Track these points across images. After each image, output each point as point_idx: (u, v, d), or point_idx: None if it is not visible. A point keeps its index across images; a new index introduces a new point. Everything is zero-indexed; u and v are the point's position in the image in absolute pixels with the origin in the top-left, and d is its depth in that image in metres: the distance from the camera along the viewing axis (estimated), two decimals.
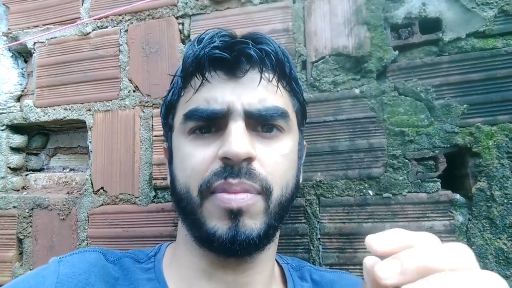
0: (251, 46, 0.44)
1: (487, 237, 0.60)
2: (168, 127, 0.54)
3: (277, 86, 0.47)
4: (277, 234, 0.50)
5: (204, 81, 0.45)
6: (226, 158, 0.42)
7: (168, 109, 0.53)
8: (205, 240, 0.44)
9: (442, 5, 0.65)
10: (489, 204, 0.60)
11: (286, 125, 0.47)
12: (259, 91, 0.45)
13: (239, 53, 0.44)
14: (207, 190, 0.43)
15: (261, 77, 0.44)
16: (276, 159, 0.45)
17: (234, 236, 0.42)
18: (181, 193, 0.46)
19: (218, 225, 0.43)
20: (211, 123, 0.46)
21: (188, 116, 0.46)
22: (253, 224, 0.43)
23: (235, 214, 0.42)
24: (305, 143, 0.59)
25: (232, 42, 0.45)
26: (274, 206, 0.45)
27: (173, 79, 0.54)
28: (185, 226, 0.48)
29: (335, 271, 0.60)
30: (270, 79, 0.46)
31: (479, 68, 0.63)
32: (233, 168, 0.42)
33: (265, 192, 0.43)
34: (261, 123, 0.46)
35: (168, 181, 0.54)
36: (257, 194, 0.43)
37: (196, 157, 0.45)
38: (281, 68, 0.47)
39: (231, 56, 0.44)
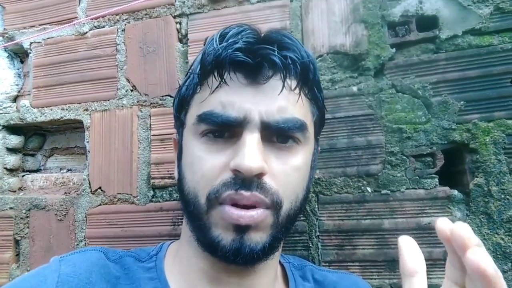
0: (276, 52, 0.41)
1: (485, 232, 0.60)
2: (180, 122, 0.52)
3: (299, 95, 0.45)
4: (282, 243, 0.49)
5: (222, 83, 0.43)
6: (237, 170, 0.40)
7: (181, 104, 0.51)
8: (209, 246, 0.44)
9: (438, 2, 0.66)
10: (486, 200, 0.60)
11: (303, 137, 0.45)
12: (279, 101, 0.43)
13: (263, 59, 0.41)
14: (215, 200, 0.42)
15: (283, 86, 0.42)
16: (288, 173, 0.44)
17: (239, 249, 0.41)
18: (188, 197, 0.45)
19: (223, 235, 0.42)
20: (225, 129, 0.44)
21: (202, 118, 0.44)
22: (258, 238, 0.42)
23: (242, 229, 0.41)
24: (319, 148, 0.57)
25: (256, 46, 0.42)
26: (282, 219, 0.44)
27: (187, 72, 0.52)
28: (190, 228, 0.47)
29: (338, 271, 0.59)
30: (293, 87, 0.44)
31: (475, 65, 0.64)
32: (244, 181, 0.40)
33: (275, 206, 0.42)
34: (278, 134, 0.44)
35: (175, 175, 0.52)
36: (266, 209, 0.42)
37: (207, 163, 0.43)
38: (305, 76, 0.45)
39: (253, 61, 0.41)
